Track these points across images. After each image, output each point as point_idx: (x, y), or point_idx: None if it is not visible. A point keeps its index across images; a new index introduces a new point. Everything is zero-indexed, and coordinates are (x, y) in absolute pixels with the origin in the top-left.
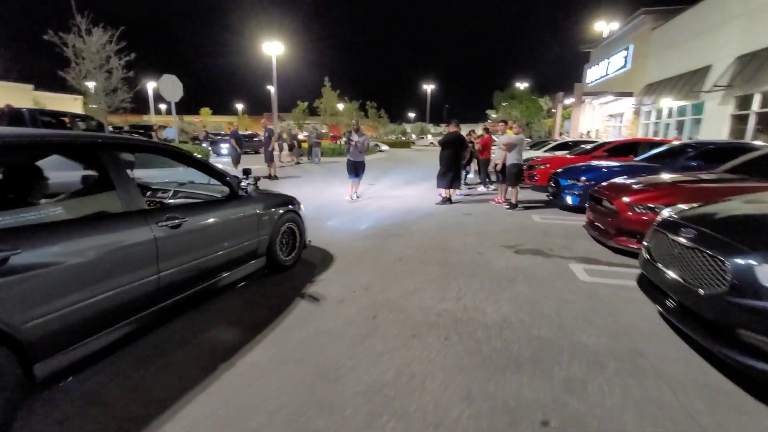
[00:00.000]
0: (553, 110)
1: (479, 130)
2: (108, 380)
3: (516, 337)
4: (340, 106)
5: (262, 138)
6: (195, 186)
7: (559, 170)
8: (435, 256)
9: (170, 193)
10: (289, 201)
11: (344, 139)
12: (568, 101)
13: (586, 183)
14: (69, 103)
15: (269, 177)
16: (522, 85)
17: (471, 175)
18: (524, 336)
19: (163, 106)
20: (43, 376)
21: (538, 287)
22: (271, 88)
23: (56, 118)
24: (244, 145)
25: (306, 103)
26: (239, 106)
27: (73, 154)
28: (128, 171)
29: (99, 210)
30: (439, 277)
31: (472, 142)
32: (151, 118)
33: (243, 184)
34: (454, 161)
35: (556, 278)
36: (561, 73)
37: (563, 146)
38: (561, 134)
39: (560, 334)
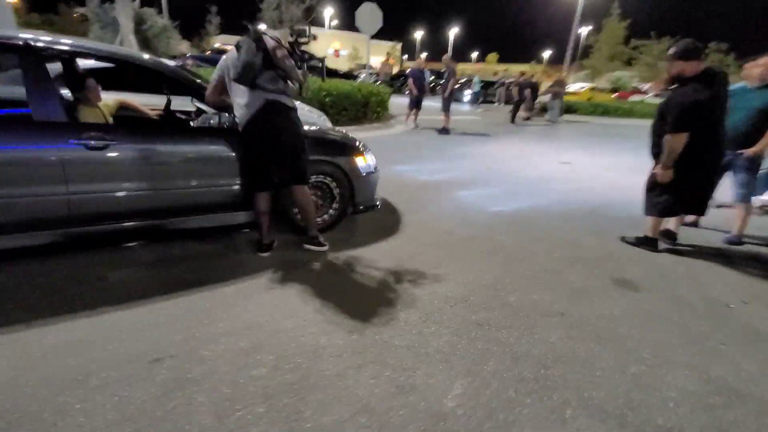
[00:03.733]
0: None
1: None
2: None
3: None
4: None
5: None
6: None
7: None
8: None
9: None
10: (326, 147)
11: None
12: None
13: None
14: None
15: (440, 130)
16: None
17: None
18: None
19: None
20: None
21: None
22: (579, 31)
23: None
24: (427, 88)
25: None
26: (545, 54)
27: None
28: None
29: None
30: None
31: None
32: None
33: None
34: (696, 157)
35: None
36: None
37: None
38: None
39: None
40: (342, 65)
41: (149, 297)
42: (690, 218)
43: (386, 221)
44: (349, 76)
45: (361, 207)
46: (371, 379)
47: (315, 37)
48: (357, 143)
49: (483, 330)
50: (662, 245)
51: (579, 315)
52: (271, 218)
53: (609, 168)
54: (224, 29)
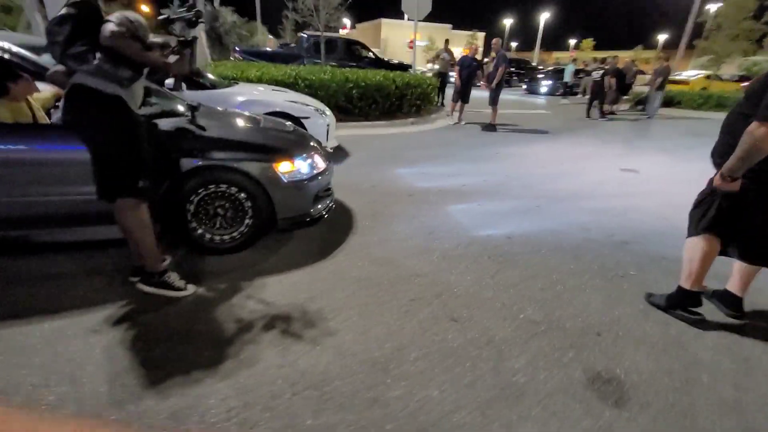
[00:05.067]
0: None
1: None
2: None
3: None
4: None
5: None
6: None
7: None
8: None
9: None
10: (229, 149)
11: None
12: None
13: None
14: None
15: (485, 126)
16: None
17: None
18: None
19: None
20: None
21: None
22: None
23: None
24: (476, 78)
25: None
26: (661, 37)
27: None
28: None
29: None
30: None
31: None
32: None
33: None
34: None
35: None
36: None
37: None
38: None
39: None
40: (418, 57)
41: None
42: None
43: (325, 241)
44: (400, 67)
45: (289, 223)
46: None
47: (197, 18)
48: (282, 144)
49: None
50: (710, 312)
51: None
52: (162, 234)
53: (687, 180)
54: (299, 27)
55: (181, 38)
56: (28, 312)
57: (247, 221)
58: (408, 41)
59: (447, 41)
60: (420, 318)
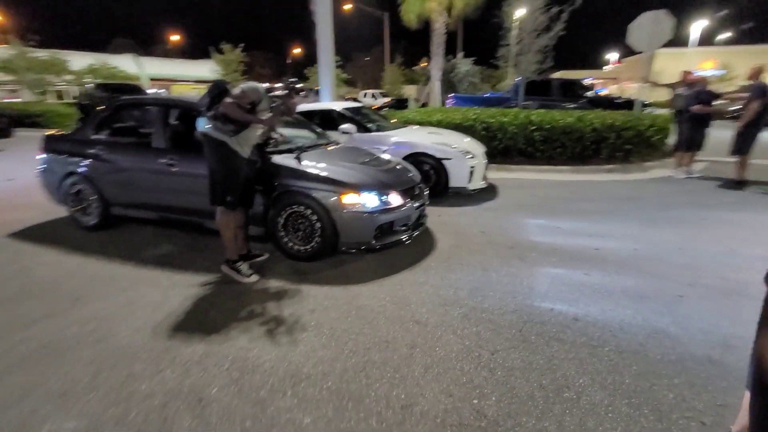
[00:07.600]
0: None
1: None
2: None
3: None
4: None
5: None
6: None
7: None
8: None
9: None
10: (304, 179)
11: None
12: None
13: None
14: None
15: (725, 182)
16: None
17: None
18: None
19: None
20: (114, 213)
21: None
22: None
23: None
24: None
25: None
26: None
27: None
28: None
29: (140, 142)
30: None
31: None
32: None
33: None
34: None
35: None
36: None
37: None
38: None
39: None
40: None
41: None
42: None
43: (373, 268)
44: (627, 106)
45: (350, 247)
46: None
47: (297, 91)
48: (352, 179)
49: None
50: None
51: None
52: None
53: None
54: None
55: (274, 104)
56: (173, 264)
57: (316, 238)
58: (686, 71)
59: (686, 73)
60: (371, 358)
